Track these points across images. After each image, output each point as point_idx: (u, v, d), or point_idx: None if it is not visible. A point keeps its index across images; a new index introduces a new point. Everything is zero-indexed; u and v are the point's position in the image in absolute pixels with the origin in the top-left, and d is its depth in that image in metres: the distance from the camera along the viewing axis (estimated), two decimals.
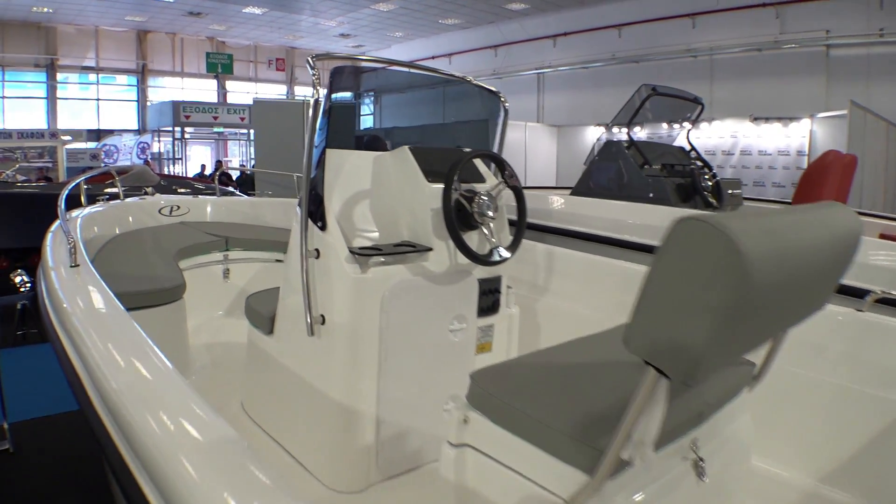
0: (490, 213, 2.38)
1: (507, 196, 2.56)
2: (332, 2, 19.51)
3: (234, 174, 16.91)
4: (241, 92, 25.52)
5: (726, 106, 14.70)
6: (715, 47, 16.11)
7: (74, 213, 4.19)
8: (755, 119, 13.53)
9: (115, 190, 5.19)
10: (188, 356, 3.41)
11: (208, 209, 5.47)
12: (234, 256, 4.57)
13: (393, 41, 25.06)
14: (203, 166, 21.14)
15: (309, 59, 2.20)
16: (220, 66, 22.90)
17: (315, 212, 2.27)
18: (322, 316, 2.28)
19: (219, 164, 19.09)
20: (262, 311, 2.67)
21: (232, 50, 24.21)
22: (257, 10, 20.60)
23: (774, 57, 15.02)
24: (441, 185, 2.36)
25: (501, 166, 2.53)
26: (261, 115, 7.88)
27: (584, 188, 6.04)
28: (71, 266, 2.42)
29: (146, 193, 5.58)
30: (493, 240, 2.39)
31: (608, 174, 5.80)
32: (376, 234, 2.51)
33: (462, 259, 2.37)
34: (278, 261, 4.59)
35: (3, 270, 7.89)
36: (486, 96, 2.98)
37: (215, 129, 22.74)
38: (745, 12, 15.59)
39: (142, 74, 23.36)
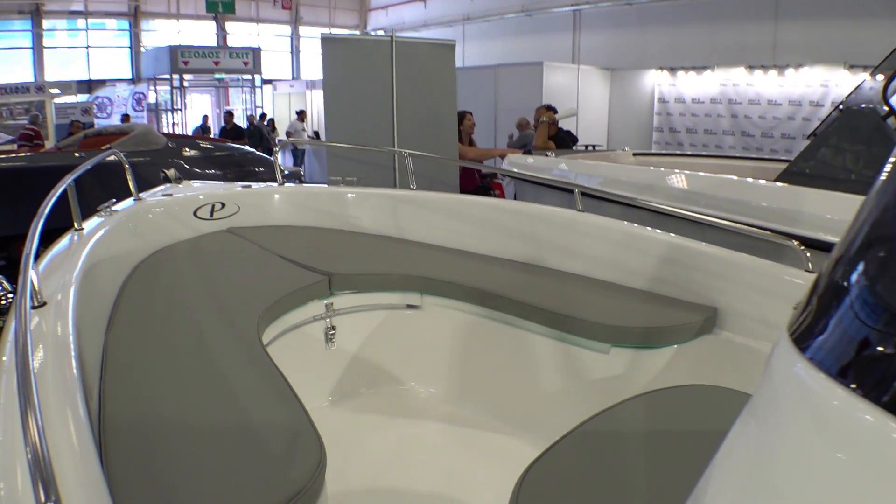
0: None
1: None
2: None
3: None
4: (242, 34, 23.42)
5: (810, 50, 12.89)
6: None
7: (59, 245, 2.47)
8: (852, 67, 11.76)
9: (113, 158, 3.42)
10: None
11: (272, 206, 3.83)
12: (342, 304, 2.90)
13: None
14: (205, 118, 19.07)
15: None
16: (220, 6, 20.68)
17: None
18: None
19: (229, 115, 16.97)
20: None
21: None
22: None
23: None
24: None
25: None
26: (334, 58, 5.37)
27: (802, 173, 4.17)
28: None
29: (166, 178, 3.94)
30: None
31: (849, 157, 4.01)
32: None
33: None
34: (410, 306, 3.00)
35: None
36: None
37: (216, 76, 20.77)
38: None
39: (134, 18, 21.28)
